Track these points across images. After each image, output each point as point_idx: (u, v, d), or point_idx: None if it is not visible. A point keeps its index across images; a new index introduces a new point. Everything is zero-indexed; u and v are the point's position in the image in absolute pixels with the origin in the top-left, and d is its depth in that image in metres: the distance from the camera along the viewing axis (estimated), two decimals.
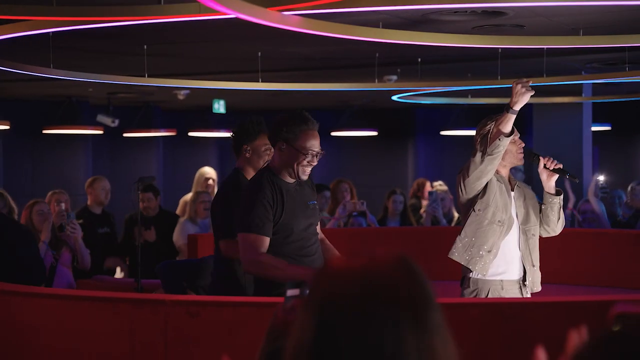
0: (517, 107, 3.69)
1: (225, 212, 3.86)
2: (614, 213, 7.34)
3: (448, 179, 10.31)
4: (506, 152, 3.89)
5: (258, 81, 6.77)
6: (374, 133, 12.87)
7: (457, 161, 14.37)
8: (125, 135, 12.05)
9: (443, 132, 12.16)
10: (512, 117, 3.69)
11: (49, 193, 6.70)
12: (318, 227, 3.75)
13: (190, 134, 12.75)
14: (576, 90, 8.67)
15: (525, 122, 9.63)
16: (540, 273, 3.94)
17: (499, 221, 3.84)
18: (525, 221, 3.93)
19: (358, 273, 1.13)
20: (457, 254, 3.86)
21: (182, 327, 3.07)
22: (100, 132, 11.11)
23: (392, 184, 12.14)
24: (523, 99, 3.68)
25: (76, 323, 3.32)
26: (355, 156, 13.80)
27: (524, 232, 3.91)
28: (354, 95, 10.65)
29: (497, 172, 3.93)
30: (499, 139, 3.69)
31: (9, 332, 3.50)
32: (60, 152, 11.61)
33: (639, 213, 7.24)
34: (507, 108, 3.70)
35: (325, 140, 14.52)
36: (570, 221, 7.10)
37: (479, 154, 3.78)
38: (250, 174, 4.00)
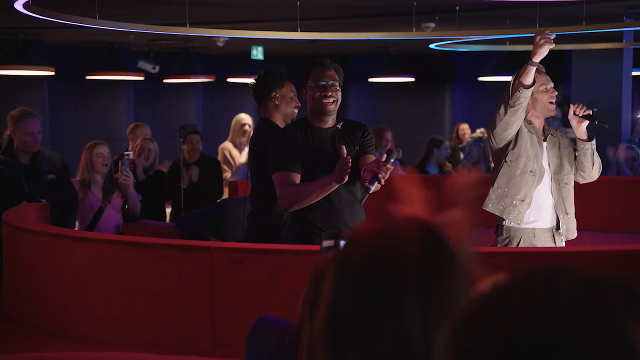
0: (537, 59, 3.69)
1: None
2: None
3: (485, 125, 10.32)
4: (537, 102, 3.92)
5: (297, 30, 6.79)
6: (411, 79, 12.85)
7: (494, 108, 14.24)
8: (165, 81, 12.20)
9: (480, 78, 12.09)
10: (532, 69, 3.69)
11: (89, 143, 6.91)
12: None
13: (229, 80, 12.85)
14: (617, 36, 8.56)
15: (564, 68, 9.55)
16: (575, 220, 3.99)
17: (530, 171, 3.88)
18: (558, 170, 3.96)
19: (377, 235, 1.18)
20: (491, 205, 3.92)
21: (226, 273, 3.23)
22: (141, 78, 11.26)
23: (429, 130, 12.17)
24: (542, 50, 3.67)
25: (126, 267, 3.51)
26: (393, 102, 13.80)
27: (557, 181, 3.95)
28: (391, 42, 10.61)
29: (530, 122, 3.97)
30: (519, 91, 3.71)
31: (62, 273, 3.70)
32: (103, 97, 11.80)
33: None
34: (527, 60, 3.71)
35: (363, 86, 14.53)
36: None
37: (502, 106, 3.83)
38: (279, 121, 4.03)
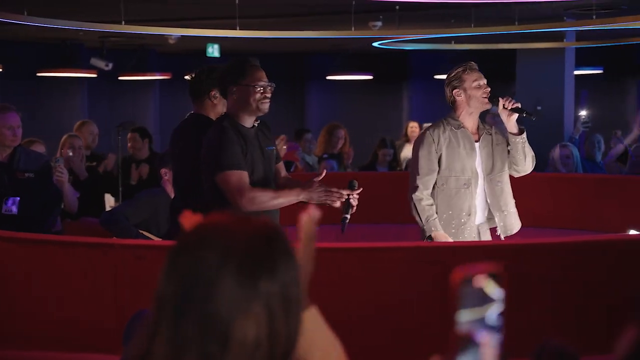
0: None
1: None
2: (593, 157, 7.46)
3: None
4: (471, 98, 3.97)
5: (236, 28, 6.83)
6: (369, 77, 12.92)
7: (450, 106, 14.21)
8: (120, 78, 12.16)
9: (437, 76, 12.19)
10: (438, 235, 3.85)
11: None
12: (283, 170, 3.90)
13: (187, 77, 12.82)
14: (559, 36, 8.70)
15: (510, 66, 9.67)
16: (515, 215, 4.07)
17: (464, 184, 3.95)
18: (490, 170, 4.01)
19: (211, 226, 1.21)
20: (445, 230, 3.91)
21: (130, 269, 3.27)
22: (94, 75, 11.20)
23: (387, 128, 12.25)
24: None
25: (38, 264, 3.53)
26: (351, 100, 13.87)
27: (490, 180, 4.01)
28: (346, 40, 10.67)
29: (459, 125, 4.00)
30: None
31: None
32: (56, 95, 11.73)
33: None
34: (428, 237, 3.87)
35: (321, 84, 14.53)
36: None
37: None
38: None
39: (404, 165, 8.09)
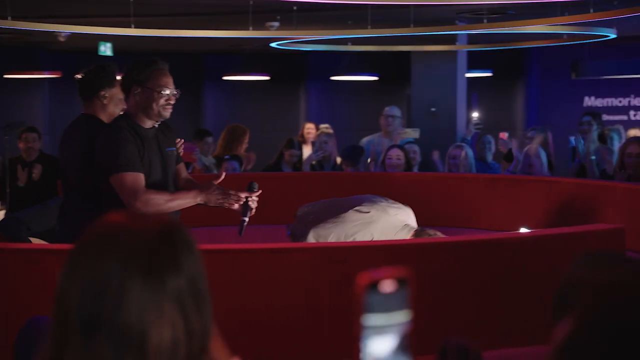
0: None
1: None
2: (484, 157, 7.69)
3: (338, 124, 10.52)
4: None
5: (131, 26, 6.69)
6: (266, 78, 12.91)
7: (347, 107, 14.50)
8: (6, 76, 11.70)
9: (333, 78, 12.31)
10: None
11: None
12: (184, 171, 3.83)
13: (77, 76, 12.47)
14: (451, 39, 8.94)
15: (405, 68, 9.87)
16: None
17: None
18: None
19: (107, 230, 1.17)
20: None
21: (22, 275, 3.14)
22: None
23: (285, 129, 12.26)
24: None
25: None
26: (248, 101, 13.82)
27: None
28: (244, 40, 10.62)
29: None
30: None
31: None
32: None
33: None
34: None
35: (218, 84, 14.43)
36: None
37: None
38: (104, 120, 3.90)
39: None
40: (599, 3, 6.54)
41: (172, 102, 3.55)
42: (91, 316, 1.11)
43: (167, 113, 3.55)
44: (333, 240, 3.69)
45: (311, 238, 3.74)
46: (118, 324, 1.10)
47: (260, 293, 3.12)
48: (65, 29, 8.20)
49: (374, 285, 0.90)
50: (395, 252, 3.19)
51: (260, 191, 3.54)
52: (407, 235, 3.76)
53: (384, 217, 3.77)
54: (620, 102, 12.66)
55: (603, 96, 12.59)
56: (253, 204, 3.50)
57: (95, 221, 1.21)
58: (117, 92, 3.95)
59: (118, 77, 4.00)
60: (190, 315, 1.13)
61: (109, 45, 11.29)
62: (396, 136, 7.08)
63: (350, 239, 3.70)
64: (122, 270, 1.12)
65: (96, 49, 11.05)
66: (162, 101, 3.50)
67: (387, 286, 0.91)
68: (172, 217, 1.24)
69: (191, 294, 1.14)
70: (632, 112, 12.66)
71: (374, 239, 3.70)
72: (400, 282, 0.91)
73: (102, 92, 3.91)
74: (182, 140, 4.02)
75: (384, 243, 3.48)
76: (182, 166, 3.83)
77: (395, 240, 3.62)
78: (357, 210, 3.80)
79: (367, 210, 3.79)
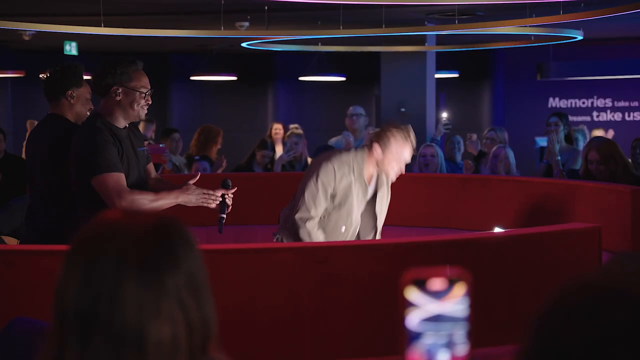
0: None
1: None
2: (453, 157, 7.75)
3: (306, 124, 10.51)
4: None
5: (101, 25, 6.62)
6: (234, 78, 12.87)
7: (315, 107, 14.52)
8: None
9: (301, 78, 12.31)
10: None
11: None
12: (153, 171, 3.83)
13: (41, 76, 12.31)
14: (420, 40, 9.00)
15: (374, 69, 9.91)
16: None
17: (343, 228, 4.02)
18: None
19: (102, 229, 1.16)
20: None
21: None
22: None
23: (253, 129, 12.25)
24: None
25: None
26: (216, 101, 13.77)
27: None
28: (212, 40, 10.58)
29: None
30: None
31: None
32: None
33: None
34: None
35: (185, 84, 14.36)
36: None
37: None
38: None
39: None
40: (567, 5, 6.64)
41: (150, 101, 3.56)
42: (88, 316, 1.10)
43: (144, 113, 3.58)
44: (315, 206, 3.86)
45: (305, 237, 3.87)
46: (115, 322, 1.09)
47: (241, 293, 3.10)
48: (31, 27, 8.08)
49: (422, 283, 0.90)
50: (376, 252, 3.20)
51: (235, 188, 3.59)
52: (364, 151, 3.96)
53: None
54: (583, 103, 12.87)
55: (567, 97, 12.78)
56: (229, 201, 3.56)
57: (91, 220, 1.19)
58: (84, 92, 3.91)
59: (86, 77, 3.99)
60: (190, 310, 1.12)
61: (74, 44, 11.17)
62: (362, 134, 7.12)
63: (321, 190, 3.86)
64: (117, 268, 1.11)
65: (61, 48, 10.92)
66: (142, 101, 3.52)
67: (437, 285, 0.91)
68: (165, 212, 1.22)
69: (190, 288, 1.13)
70: (595, 113, 12.87)
71: (336, 174, 3.87)
72: (453, 282, 0.91)
73: (70, 92, 3.87)
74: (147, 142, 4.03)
75: (366, 243, 3.49)
76: (151, 166, 3.85)
77: (377, 240, 3.63)
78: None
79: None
